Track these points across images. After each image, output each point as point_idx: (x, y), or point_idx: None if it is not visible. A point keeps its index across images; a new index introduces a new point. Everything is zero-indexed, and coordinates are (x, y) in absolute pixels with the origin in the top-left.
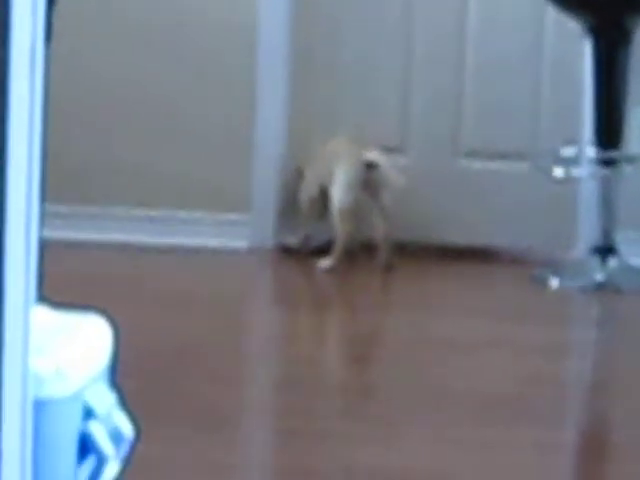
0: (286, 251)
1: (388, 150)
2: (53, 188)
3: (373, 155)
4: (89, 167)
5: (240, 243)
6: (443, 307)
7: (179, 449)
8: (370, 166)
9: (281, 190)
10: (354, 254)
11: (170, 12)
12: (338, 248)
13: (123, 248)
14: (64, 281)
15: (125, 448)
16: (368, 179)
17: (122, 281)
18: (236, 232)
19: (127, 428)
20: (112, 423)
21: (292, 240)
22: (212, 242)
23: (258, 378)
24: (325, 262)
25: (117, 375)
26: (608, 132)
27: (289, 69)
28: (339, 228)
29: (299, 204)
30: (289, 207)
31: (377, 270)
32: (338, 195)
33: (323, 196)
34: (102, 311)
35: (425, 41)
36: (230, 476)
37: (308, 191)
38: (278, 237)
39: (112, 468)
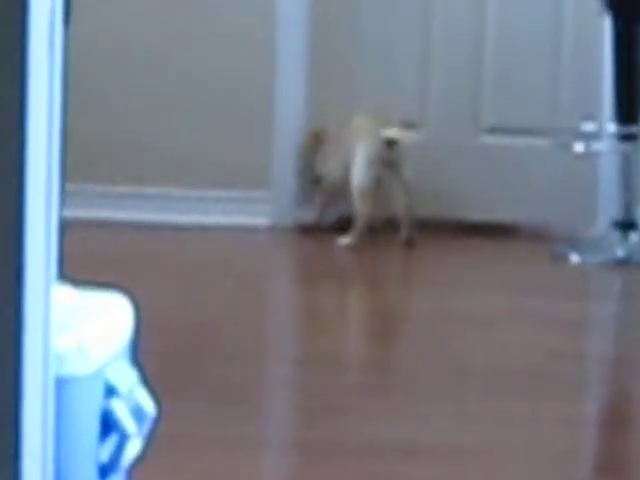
0: (304, 229)
1: (407, 126)
2: (76, 167)
3: (393, 132)
4: (111, 146)
5: (261, 220)
6: (464, 282)
7: (200, 426)
8: (390, 143)
9: (298, 159)
10: (374, 231)
11: None
12: (359, 226)
13: (144, 226)
14: (86, 260)
15: (147, 425)
16: (388, 156)
17: (144, 259)
18: (257, 210)
19: (149, 405)
20: (134, 400)
21: (309, 217)
22: (233, 220)
23: (279, 355)
24: (345, 239)
25: (139, 353)
26: (628, 107)
27: (308, 47)
28: (359, 207)
29: (316, 172)
30: (306, 177)
31: (398, 246)
32: (358, 174)
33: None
34: (123, 289)
35: (444, 17)
36: (251, 452)
37: (333, 174)
38: (298, 214)
39: (134, 445)
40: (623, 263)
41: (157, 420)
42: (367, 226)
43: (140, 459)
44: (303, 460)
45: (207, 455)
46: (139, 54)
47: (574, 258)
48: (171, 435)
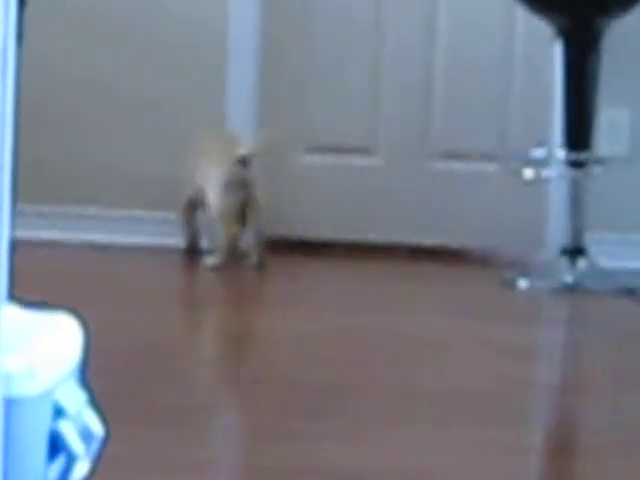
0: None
1: (359, 151)
2: (26, 187)
3: (245, 150)
4: (62, 167)
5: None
6: (412, 307)
7: (149, 448)
8: (243, 162)
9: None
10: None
11: (140, 11)
12: (223, 248)
13: (95, 247)
14: (33, 280)
15: (95, 447)
16: (243, 176)
17: (93, 280)
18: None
19: (97, 427)
20: (82, 422)
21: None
22: (180, 242)
23: (227, 377)
24: (211, 260)
25: (87, 374)
26: (578, 134)
27: (259, 71)
28: (220, 228)
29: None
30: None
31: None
32: (216, 197)
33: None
34: (72, 310)
35: (394, 43)
36: (198, 475)
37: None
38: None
39: (82, 467)
40: (571, 289)
41: (105, 442)
42: (231, 247)
43: None
44: None
45: (156, 478)
46: (90, 78)
47: (522, 284)
48: (119, 457)
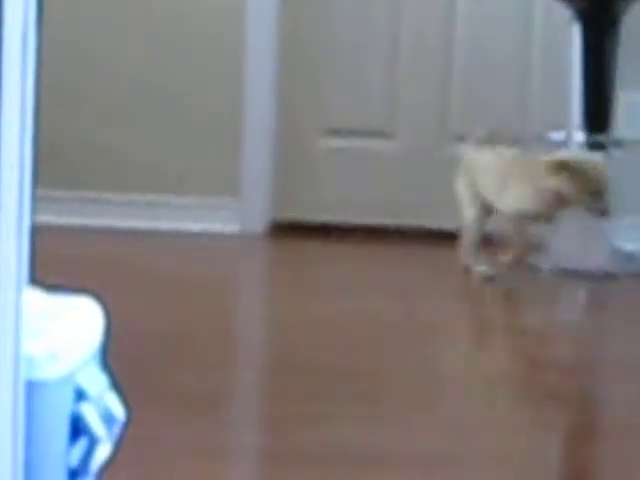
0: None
1: (376, 135)
2: (46, 173)
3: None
4: (80, 152)
5: (230, 227)
6: (430, 292)
7: (169, 432)
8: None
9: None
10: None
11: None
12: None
13: (114, 233)
14: (56, 264)
15: (117, 430)
16: None
17: (112, 265)
18: (226, 216)
19: (118, 410)
20: (104, 405)
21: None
22: (202, 226)
23: (248, 362)
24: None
25: (108, 358)
26: (596, 116)
27: (277, 54)
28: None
29: None
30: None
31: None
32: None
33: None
34: (93, 294)
35: (413, 25)
36: (218, 459)
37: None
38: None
39: (104, 449)
40: (594, 273)
41: (126, 425)
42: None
43: (109, 463)
44: (272, 468)
45: (176, 462)
46: (108, 63)
47: (545, 267)
48: (140, 441)
